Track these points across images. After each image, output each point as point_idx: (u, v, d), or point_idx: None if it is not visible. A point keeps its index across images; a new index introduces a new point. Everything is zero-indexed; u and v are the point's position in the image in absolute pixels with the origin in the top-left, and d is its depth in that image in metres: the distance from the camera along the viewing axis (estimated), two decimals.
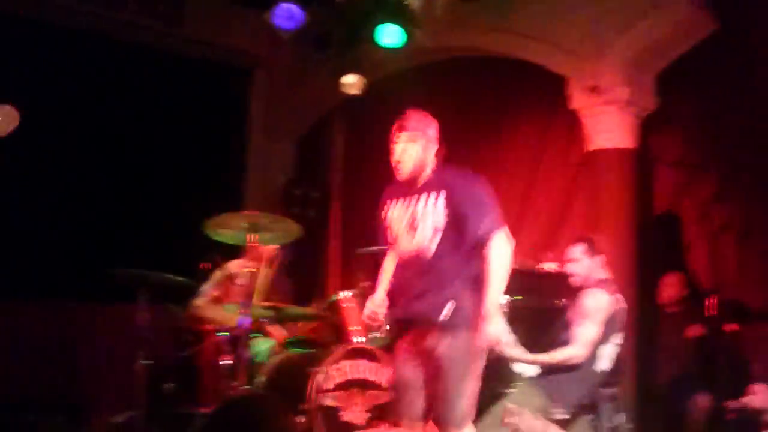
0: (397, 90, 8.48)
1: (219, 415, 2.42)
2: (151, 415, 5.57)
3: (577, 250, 5.45)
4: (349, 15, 7.42)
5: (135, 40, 8.57)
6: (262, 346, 6.13)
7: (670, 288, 7.35)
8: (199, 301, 6.31)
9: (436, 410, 4.18)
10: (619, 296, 5.39)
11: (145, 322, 5.55)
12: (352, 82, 7.75)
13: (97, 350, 7.79)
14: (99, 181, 8.22)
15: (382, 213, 4.43)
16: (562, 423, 5.14)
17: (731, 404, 6.40)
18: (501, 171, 8.36)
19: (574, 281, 5.44)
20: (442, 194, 4.21)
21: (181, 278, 5.87)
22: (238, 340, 5.38)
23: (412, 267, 4.22)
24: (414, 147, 4.29)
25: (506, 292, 5.24)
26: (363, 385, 5.79)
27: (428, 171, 4.32)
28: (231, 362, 5.54)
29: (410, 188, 4.33)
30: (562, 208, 7.97)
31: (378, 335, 6.20)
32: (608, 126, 7.33)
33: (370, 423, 5.74)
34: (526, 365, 5.41)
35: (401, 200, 4.35)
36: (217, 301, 6.27)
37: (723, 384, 6.70)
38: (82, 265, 7.66)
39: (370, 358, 5.85)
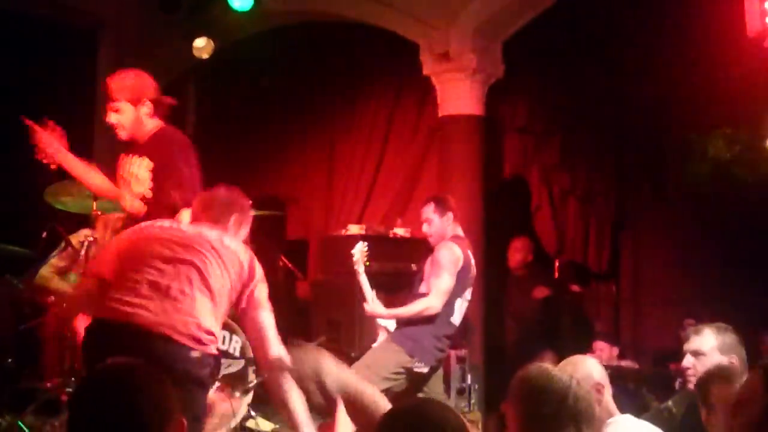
0: (251, 54, 8.38)
1: (87, 388, 2.27)
2: None
3: (428, 210, 5.53)
4: None
5: None
6: None
7: (517, 252, 7.59)
8: (44, 272, 6.09)
9: None
10: (470, 253, 5.49)
11: None
12: (202, 46, 7.57)
13: None
14: None
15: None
16: (420, 376, 5.25)
17: None
18: (356, 137, 8.41)
19: (430, 240, 5.52)
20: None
21: (19, 248, 5.64)
22: None
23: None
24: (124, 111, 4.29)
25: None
26: None
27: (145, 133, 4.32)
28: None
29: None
30: (414, 173, 8.08)
31: None
32: (458, 93, 7.45)
33: (220, 392, 5.71)
34: (386, 321, 5.48)
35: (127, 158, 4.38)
36: (62, 272, 6.07)
37: (567, 342, 6.96)
38: None
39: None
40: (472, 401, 6.40)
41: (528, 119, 7.68)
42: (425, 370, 5.26)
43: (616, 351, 6.75)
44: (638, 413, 3.57)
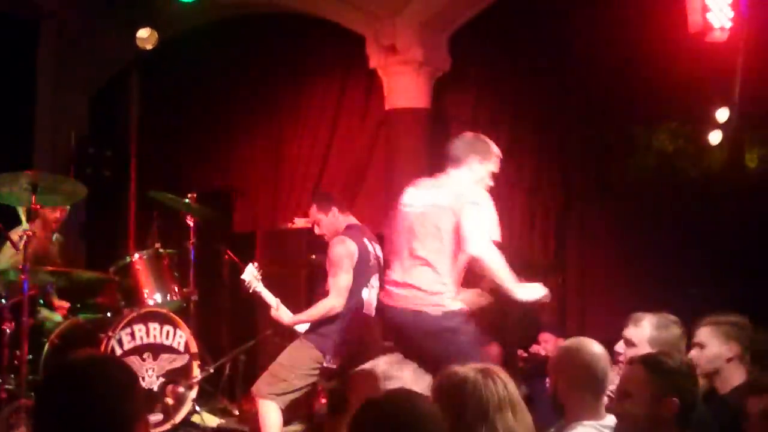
0: (196, 45, 8.29)
1: (52, 385, 2.17)
2: None
3: (313, 212, 5.52)
4: None
5: None
6: (46, 313, 5.88)
7: None
8: None
9: None
10: (367, 240, 5.43)
11: None
12: (146, 37, 7.44)
13: None
14: None
15: None
16: (331, 372, 5.21)
17: (522, 353, 6.67)
18: (303, 130, 8.34)
19: (326, 239, 5.49)
20: None
21: None
22: (20, 307, 5.12)
23: None
24: None
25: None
26: (156, 349, 5.68)
27: None
28: (11, 330, 5.29)
29: None
30: (361, 166, 8.05)
31: (175, 299, 6.10)
32: (404, 86, 7.45)
33: (164, 388, 5.65)
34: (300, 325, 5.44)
35: None
36: None
37: (514, 334, 6.98)
38: None
39: (162, 321, 5.73)
40: None
41: (473, 112, 7.70)
42: (333, 366, 5.22)
43: (561, 342, 6.78)
44: None
